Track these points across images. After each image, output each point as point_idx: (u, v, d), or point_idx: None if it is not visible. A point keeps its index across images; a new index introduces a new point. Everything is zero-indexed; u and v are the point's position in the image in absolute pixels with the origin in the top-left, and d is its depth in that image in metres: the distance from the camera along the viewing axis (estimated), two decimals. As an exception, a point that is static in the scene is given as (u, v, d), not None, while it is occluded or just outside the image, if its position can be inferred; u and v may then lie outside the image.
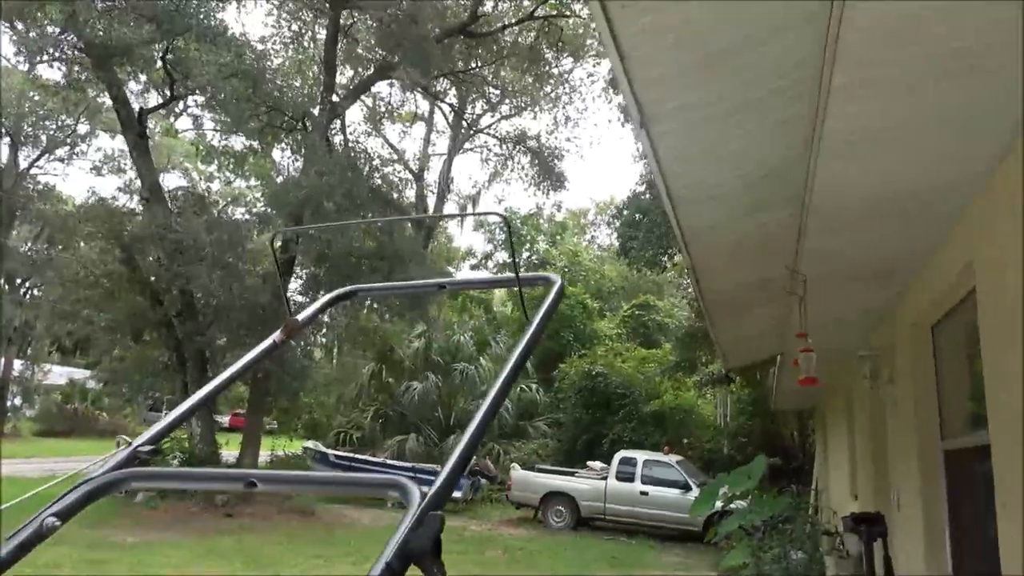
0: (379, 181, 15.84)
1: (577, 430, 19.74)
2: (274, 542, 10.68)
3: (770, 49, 2.35)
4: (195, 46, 14.08)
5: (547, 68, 21.56)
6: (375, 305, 17.43)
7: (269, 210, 15.13)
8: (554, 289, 1.46)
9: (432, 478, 0.95)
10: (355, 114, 34.08)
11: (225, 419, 29.86)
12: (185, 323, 14.01)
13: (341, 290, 1.71)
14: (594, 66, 22.76)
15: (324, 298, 1.71)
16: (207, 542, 10.30)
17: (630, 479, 15.00)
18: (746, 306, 6.08)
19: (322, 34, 17.60)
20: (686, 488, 14.28)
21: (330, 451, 18.14)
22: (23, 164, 29.20)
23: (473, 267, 39.40)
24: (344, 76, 19.54)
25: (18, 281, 32.14)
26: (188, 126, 30.11)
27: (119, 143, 26.61)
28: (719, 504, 10.31)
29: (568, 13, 19.35)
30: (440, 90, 21.84)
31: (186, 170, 30.36)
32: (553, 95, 24.37)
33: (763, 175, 3.34)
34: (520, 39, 20.49)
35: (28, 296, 32.71)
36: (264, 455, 17.64)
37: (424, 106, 27.99)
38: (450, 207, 31.34)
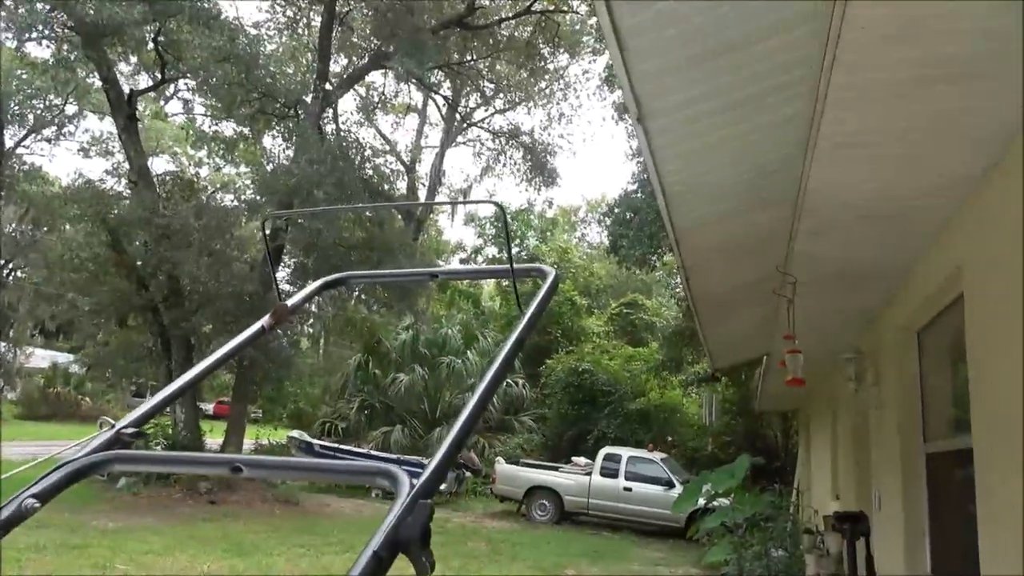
0: (370, 172, 15.73)
1: (562, 426, 19.80)
2: (257, 530, 10.64)
3: (771, 46, 2.36)
4: (187, 28, 13.91)
5: (543, 63, 21.52)
6: (363, 296, 17.37)
7: (258, 197, 14.99)
8: (548, 281, 1.43)
9: (417, 470, 0.94)
10: (348, 103, 33.94)
11: (210, 406, 29.72)
12: (171, 309, 13.89)
13: (332, 276, 1.69)
14: (590, 63, 22.86)
15: (315, 284, 1.69)
16: (189, 529, 10.25)
17: (614, 475, 15.07)
18: (735, 306, 6.10)
19: (317, 21, 17.48)
20: (669, 485, 14.36)
21: (315, 441, 18.10)
22: (9, 143, 28.85)
23: (463, 261, 39.33)
24: (338, 64, 19.46)
25: (1, 262, 31.78)
26: (178, 110, 29.93)
27: (108, 125, 26.31)
28: (702, 501, 10.35)
29: (566, 8, 19.31)
30: (434, 82, 21.74)
31: (175, 154, 30.09)
32: (548, 91, 24.37)
33: (758, 175, 3.34)
34: (516, 33, 20.44)
35: (11, 278, 32.36)
36: (248, 443, 17.55)
37: (418, 97, 27.91)
38: (440, 199, 31.29)
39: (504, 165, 25.96)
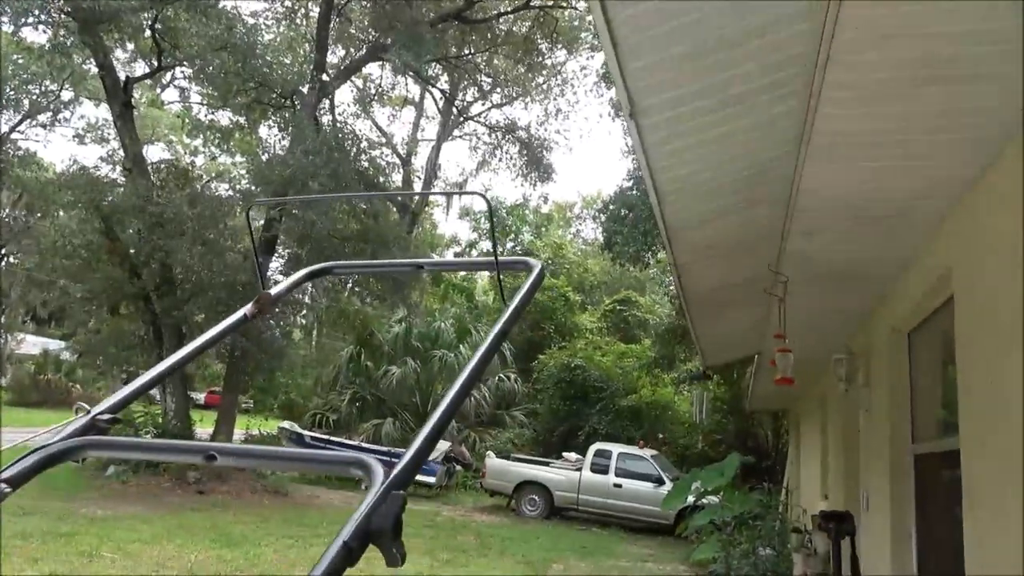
0: (366, 164, 15.67)
1: (554, 421, 19.82)
2: (246, 521, 10.62)
3: (764, 44, 2.35)
4: (185, 16, 13.82)
5: (540, 59, 21.49)
6: (356, 288, 17.34)
7: (253, 187, 14.93)
8: (534, 274, 1.42)
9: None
10: (345, 95, 33.83)
11: (201, 396, 29.65)
12: (163, 297, 13.83)
13: (316, 266, 1.68)
14: (587, 59, 22.76)
15: (299, 273, 1.67)
16: (178, 518, 10.23)
17: (604, 471, 15.11)
18: (727, 304, 6.11)
19: (315, 11, 17.40)
20: (659, 482, 14.41)
21: (306, 432, 18.07)
22: (4, 128, 28.68)
23: (457, 254, 39.31)
24: (335, 56, 19.39)
25: (-7, 248, 31.61)
26: (175, 98, 29.79)
27: (103, 112, 26.17)
28: (691, 499, 10.41)
29: (564, 4, 19.27)
30: (432, 75, 21.67)
31: (171, 143, 29.97)
32: (545, 86, 24.33)
33: (750, 173, 3.34)
34: (515, 28, 20.39)
35: (4, 264, 32.19)
36: (239, 433, 17.52)
37: (415, 90, 27.85)
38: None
39: (500, 160, 25.94)
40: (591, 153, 67.77)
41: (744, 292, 5.42)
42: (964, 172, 2.94)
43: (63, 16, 13.62)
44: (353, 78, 21.51)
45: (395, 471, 0.90)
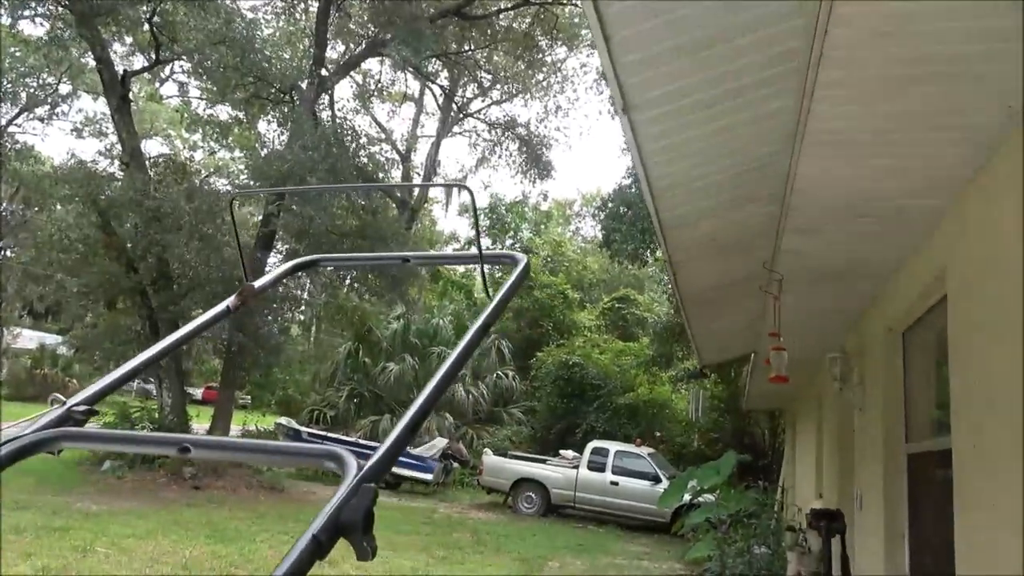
0: (365, 159, 15.65)
1: (551, 419, 19.82)
2: (241, 516, 10.61)
3: (756, 40, 2.33)
4: (183, 9, 13.79)
5: (540, 55, 21.44)
6: (354, 284, 17.32)
7: (252, 182, 14.90)
8: (519, 268, 1.42)
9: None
10: (344, 90, 33.77)
11: (199, 391, 29.62)
12: (160, 292, 13.80)
13: (302, 259, 1.66)
14: (587, 56, 22.67)
15: (284, 266, 1.66)
16: (173, 513, 10.21)
17: (601, 469, 15.11)
18: (722, 302, 6.10)
19: (314, 6, 17.35)
20: (656, 480, 14.41)
21: (303, 428, 18.06)
22: (1, 122, 28.63)
23: (456, 250, 39.25)
24: (335, 51, 19.34)
25: (-9, 241, 31.56)
26: (173, 92, 29.70)
27: (101, 105, 26.10)
28: (687, 497, 10.40)
29: (563, 0, 19.22)
30: (431, 71, 21.63)
31: (169, 137, 29.92)
32: (545, 83, 24.29)
33: (744, 169, 3.33)
34: (515, 24, 20.34)
35: (0, 257, 32.13)
36: (236, 429, 17.52)
37: (414, 86, 27.81)
38: (435, 190, 31.24)
39: (500, 157, 25.92)
40: (591, 150, 67.69)
41: (740, 290, 5.41)
42: (958, 171, 2.93)
43: (60, 8, 13.58)
44: (352, 73, 21.48)
45: (368, 464, 0.89)
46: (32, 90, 26.16)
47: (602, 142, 66.80)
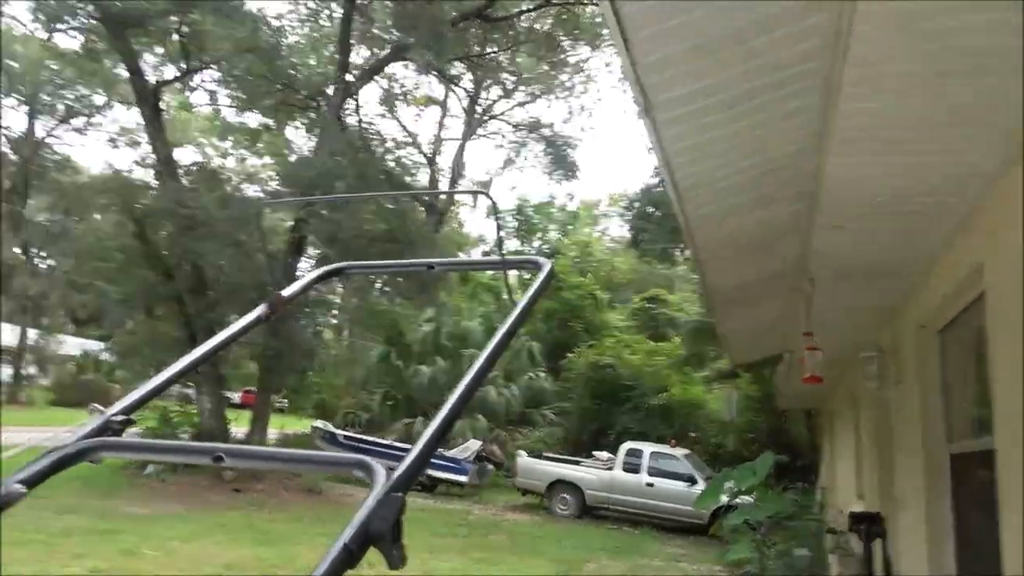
0: (391, 163, 15.78)
1: (584, 420, 19.75)
2: (281, 519, 10.77)
3: (780, 36, 2.28)
4: (211, 19, 14.03)
5: (563, 56, 21.38)
6: (385, 289, 17.45)
7: (281, 188, 15.12)
8: (542, 273, 1.41)
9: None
10: (369, 95, 34.01)
11: (236, 396, 30.12)
12: (196, 299, 14.06)
13: (330, 267, 1.68)
14: (611, 55, 22.55)
15: (312, 274, 1.68)
16: (216, 516, 10.39)
17: (636, 470, 15.00)
18: (752, 301, 6.00)
19: (338, 12, 17.51)
20: (692, 481, 14.26)
21: (338, 431, 18.25)
22: (40, 133, 29.45)
23: (484, 253, 39.34)
24: (359, 56, 19.48)
25: (33, 251, 32.45)
26: (204, 101, 30.22)
27: (135, 115, 26.68)
28: (724, 498, 10.27)
29: (584, 0, 19.13)
30: (455, 74, 21.69)
31: (200, 145, 30.43)
32: (569, 83, 24.21)
33: (771, 168, 3.26)
34: (537, 25, 20.30)
35: (43, 266, 33.04)
36: (273, 433, 17.75)
37: (439, 90, 27.89)
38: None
39: (525, 158, 25.92)
40: (617, 150, 67.35)
41: (770, 288, 5.31)
42: (993, 165, 2.83)
43: (94, 22, 13.90)
44: (377, 78, 21.60)
45: (396, 474, 0.90)
46: (69, 102, 26.85)
47: (628, 141, 66.40)
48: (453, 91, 26.55)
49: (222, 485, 12.70)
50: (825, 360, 5.05)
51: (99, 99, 27.53)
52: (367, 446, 16.49)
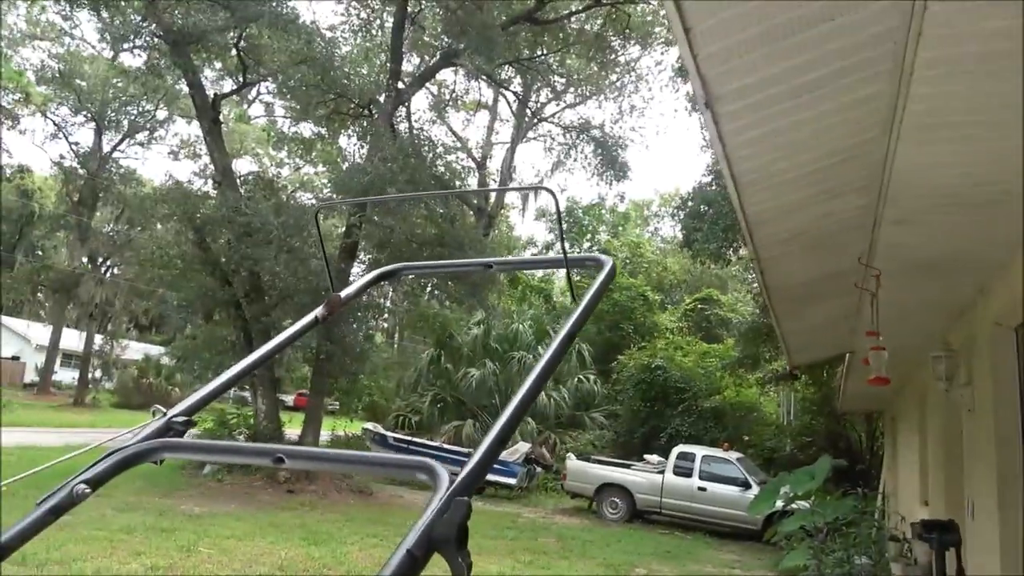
0: (442, 168, 15.89)
1: (634, 423, 19.54)
2: (332, 519, 10.93)
3: (849, 22, 2.21)
4: (267, 33, 14.39)
5: (613, 56, 21.25)
6: (435, 292, 17.59)
7: (335, 195, 15.38)
8: (604, 270, 1.36)
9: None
10: (420, 102, 34.46)
11: (290, 398, 30.77)
12: (252, 304, 14.39)
13: (386, 268, 1.68)
14: (662, 54, 22.37)
15: (369, 275, 1.67)
16: (269, 516, 10.61)
17: (688, 474, 14.77)
18: (813, 300, 5.84)
19: (389, 22, 17.78)
20: (746, 486, 13.97)
21: (389, 433, 18.45)
22: (106, 148, 30.66)
23: (533, 255, 39.36)
24: (410, 64, 19.74)
25: (99, 260, 33.77)
26: (260, 113, 31.06)
27: (195, 128, 27.57)
28: (780, 504, 10.03)
29: (635, -1, 19.00)
30: (504, 78, 21.77)
31: (257, 155, 31.26)
32: (619, 84, 24.06)
33: (836, 160, 3.17)
34: (587, 26, 20.24)
35: (109, 275, 34.34)
36: (325, 434, 18.05)
37: (488, 94, 28.06)
38: (511, 196, 31.44)
39: (575, 160, 25.83)
40: (668, 150, 66.72)
41: (832, 286, 5.17)
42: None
43: (155, 39, 14.40)
44: (428, 85, 21.85)
45: (460, 477, 0.87)
46: (133, 117, 27.91)
47: (679, 140, 65.70)
48: (503, 95, 26.68)
49: (276, 486, 12.96)
50: (890, 360, 4.87)
51: (161, 114, 28.62)
52: (417, 448, 16.64)
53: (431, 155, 15.66)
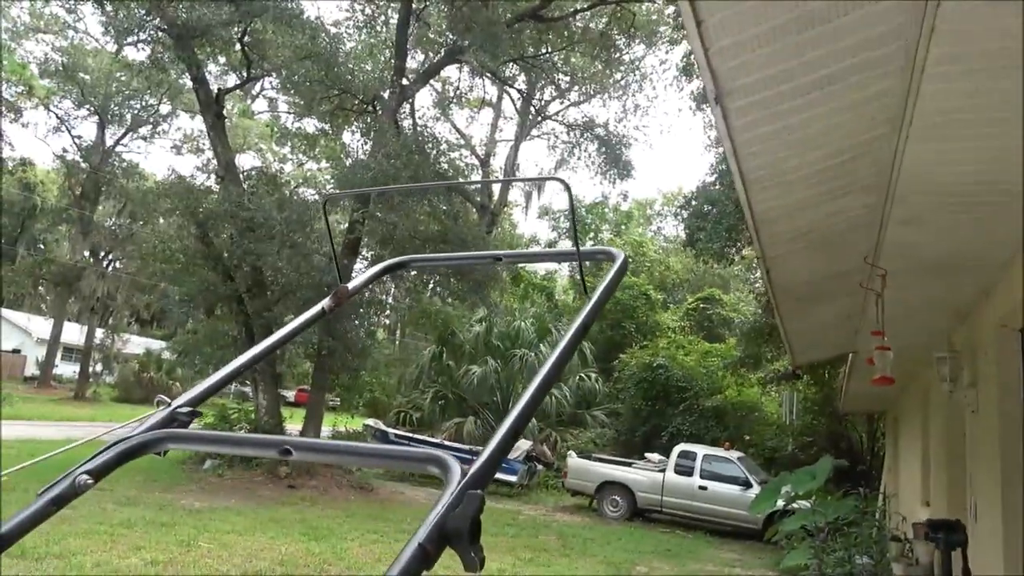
0: (445, 165, 15.87)
1: (635, 421, 19.55)
2: (333, 515, 10.93)
3: (860, 17, 2.20)
4: (271, 28, 14.37)
5: (618, 55, 21.22)
6: (437, 288, 17.58)
7: (338, 191, 15.37)
8: (616, 264, 1.35)
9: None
10: (424, 98, 34.46)
11: (291, 394, 30.78)
12: (254, 299, 14.39)
13: (394, 260, 1.66)
14: (667, 53, 22.33)
15: (376, 267, 1.66)
16: (270, 511, 10.61)
17: (688, 473, 14.77)
18: (818, 299, 5.83)
19: (394, 18, 17.76)
20: (747, 485, 13.98)
21: (390, 429, 18.47)
22: (109, 142, 30.68)
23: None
24: (414, 60, 19.72)
25: (101, 254, 33.79)
26: (264, 108, 31.07)
27: (198, 123, 27.60)
28: (780, 503, 10.04)
29: (640, -3, 18.96)
30: (509, 75, 21.74)
31: (260, 151, 31.26)
32: (623, 82, 24.03)
33: (845, 158, 3.15)
34: (592, 24, 20.21)
35: (110, 269, 34.37)
36: (326, 430, 18.06)
37: (492, 91, 28.04)
38: (515, 193, 31.44)
39: (579, 158, 25.80)
40: (671, 149, 66.61)
41: (837, 286, 5.15)
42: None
43: (160, 33, 14.38)
44: (432, 81, 21.84)
45: (472, 469, 0.85)
46: (136, 112, 27.91)
47: (683, 140, 65.58)
48: (507, 92, 26.66)
49: (277, 481, 12.97)
50: (895, 361, 4.86)
51: (165, 108, 28.60)
52: (416, 444, 16.64)
53: (435, 152, 15.63)
